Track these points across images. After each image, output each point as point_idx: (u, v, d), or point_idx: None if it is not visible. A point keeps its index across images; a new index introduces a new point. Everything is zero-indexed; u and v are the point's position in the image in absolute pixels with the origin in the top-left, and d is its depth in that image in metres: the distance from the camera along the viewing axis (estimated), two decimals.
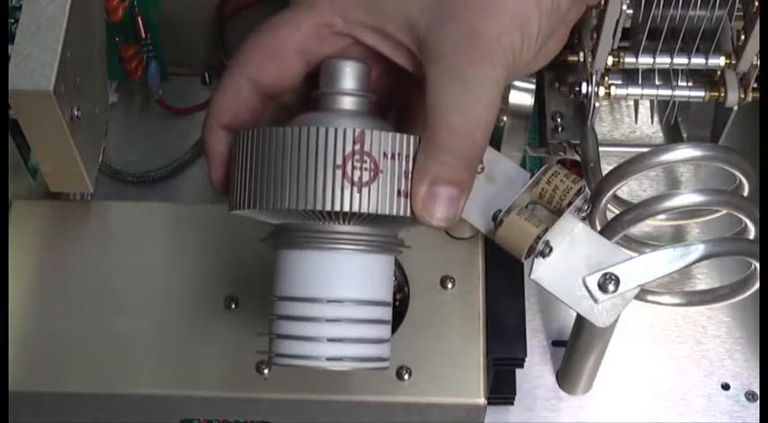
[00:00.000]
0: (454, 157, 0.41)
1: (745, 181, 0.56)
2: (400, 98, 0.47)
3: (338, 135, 0.41)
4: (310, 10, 0.43)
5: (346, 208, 0.42)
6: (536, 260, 0.49)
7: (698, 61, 0.60)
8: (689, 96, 0.61)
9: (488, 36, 0.41)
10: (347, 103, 0.45)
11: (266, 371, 0.52)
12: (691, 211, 0.61)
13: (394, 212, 0.42)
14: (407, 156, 0.42)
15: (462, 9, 0.41)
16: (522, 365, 0.55)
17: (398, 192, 0.42)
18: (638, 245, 0.61)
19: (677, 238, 0.65)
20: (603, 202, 0.56)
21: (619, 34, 0.58)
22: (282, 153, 0.42)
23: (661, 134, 0.69)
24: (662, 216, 0.60)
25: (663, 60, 0.60)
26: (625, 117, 0.69)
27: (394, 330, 0.54)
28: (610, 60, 0.60)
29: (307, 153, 0.41)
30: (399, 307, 0.55)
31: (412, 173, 0.42)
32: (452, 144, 0.41)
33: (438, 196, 0.42)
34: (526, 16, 0.41)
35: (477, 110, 0.41)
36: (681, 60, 0.60)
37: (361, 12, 0.42)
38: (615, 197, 0.59)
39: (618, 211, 0.57)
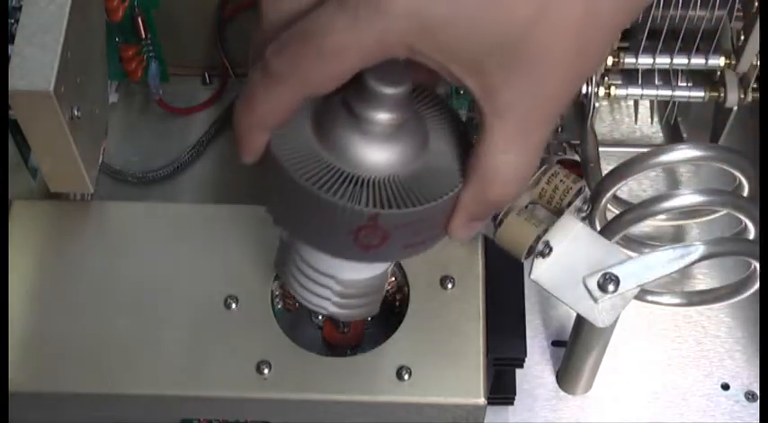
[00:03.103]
0: (496, 206, 0.45)
1: (745, 181, 0.56)
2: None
3: (354, 212, 0.42)
4: (377, 37, 0.40)
5: (353, 259, 0.45)
6: (536, 260, 0.49)
7: (698, 61, 0.60)
8: (689, 96, 0.61)
9: (557, 102, 0.41)
10: (378, 129, 0.44)
11: (266, 371, 0.52)
12: (691, 211, 0.61)
13: (396, 260, 0.46)
14: (420, 220, 0.44)
15: (533, 65, 0.40)
16: (521, 365, 0.55)
17: (405, 246, 0.45)
18: (638, 245, 0.61)
19: (677, 238, 0.65)
20: (603, 202, 0.56)
21: (619, 34, 0.58)
22: (302, 205, 0.43)
23: (661, 134, 0.69)
24: (662, 216, 0.60)
25: (663, 60, 0.60)
26: (625, 117, 0.69)
27: (394, 330, 0.54)
28: (610, 60, 0.60)
29: (324, 216, 0.43)
30: (399, 307, 0.55)
31: (422, 228, 0.44)
32: (500, 196, 0.44)
33: (472, 228, 0.45)
34: (589, 73, 0.42)
35: (530, 171, 0.43)
36: (681, 60, 0.60)
37: (428, 46, 0.40)
38: (615, 197, 0.59)
39: (618, 211, 0.57)
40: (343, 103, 0.43)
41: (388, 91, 0.42)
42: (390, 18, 0.38)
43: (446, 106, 0.47)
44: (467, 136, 0.46)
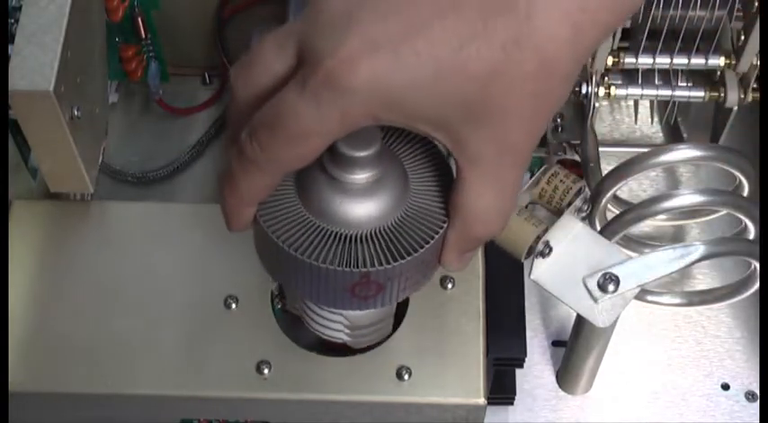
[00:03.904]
0: (484, 240, 0.47)
1: (745, 181, 0.56)
2: None
3: (345, 274, 0.44)
4: (341, 115, 0.41)
5: (353, 309, 0.48)
6: (536, 260, 0.49)
7: (698, 61, 0.60)
8: (689, 96, 0.61)
9: (525, 146, 0.42)
10: (357, 187, 0.45)
11: (266, 371, 0.52)
12: (691, 211, 0.61)
13: (397, 301, 0.48)
14: (411, 267, 0.45)
15: (494, 119, 0.41)
16: (521, 365, 0.55)
17: (402, 289, 0.47)
18: (638, 245, 0.61)
19: (677, 238, 0.65)
20: (603, 202, 0.56)
21: (619, 34, 0.58)
22: (296, 270, 0.45)
23: (661, 134, 0.69)
24: (662, 216, 0.60)
25: (663, 60, 0.60)
26: (625, 117, 0.69)
27: (394, 330, 0.54)
28: (610, 60, 0.60)
29: (317, 279, 0.45)
30: (399, 307, 0.55)
31: (415, 272, 0.46)
32: (484, 234, 0.46)
33: (464, 260, 0.47)
34: (551, 114, 0.43)
35: (508, 209, 0.45)
36: (681, 60, 0.60)
37: (392, 113, 0.41)
38: (615, 197, 0.59)
39: (618, 211, 0.57)
40: (321, 167, 0.45)
41: (360, 154, 0.44)
42: (352, 95, 0.39)
43: (422, 140, 0.48)
44: (446, 167, 0.47)
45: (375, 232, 0.45)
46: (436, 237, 0.45)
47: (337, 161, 0.44)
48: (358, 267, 0.44)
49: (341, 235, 0.45)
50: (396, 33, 0.39)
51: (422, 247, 0.45)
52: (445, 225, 0.45)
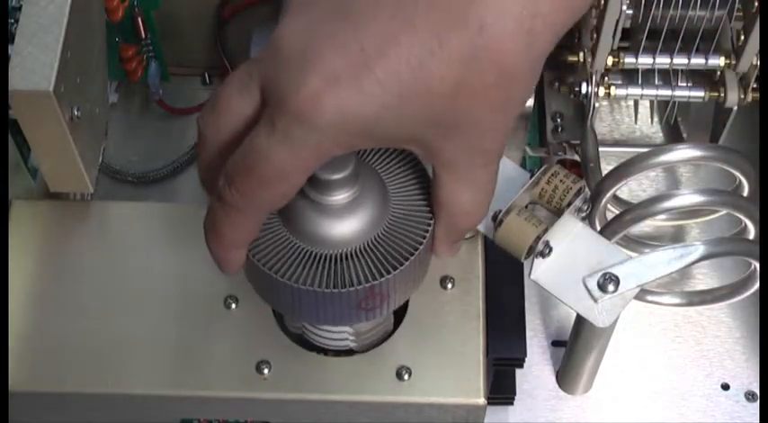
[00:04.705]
0: (470, 230, 0.48)
1: (745, 181, 0.56)
2: None
3: (350, 294, 0.45)
4: (314, 151, 0.42)
5: (360, 322, 0.49)
6: (536, 260, 0.49)
7: (698, 61, 0.60)
8: (689, 96, 0.61)
9: (495, 146, 0.44)
10: (341, 206, 0.46)
11: (266, 371, 0.52)
12: (691, 211, 0.61)
13: (401, 303, 0.49)
14: (411, 270, 0.47)
15: (463, 128, 0.42)
16: (521, 365, 0.55)
17: (405, 291, 0.48)
18: (638, 245, 0.61)
19: (677, 238, 0.65)
20: (603, 202, 0.56)
21: (619, 34, 0.58)
22: (300, 299, 0.46)
23: (661, 134, 0.69)
24: (662, 216, 0.60)
25: (663, 60, 0.60)
26: (625, 117, 0.69)
27: (394, 330, 0.54)
28: (610, 60, 0.60)
29: (325, 304, 0.46)
30: (399, 307, 0.55)
31: (414, 272, 0.47)
32: (469, 225, 0.47)
33: (455, 248, 0.49)
34: (517, 114, 0.44)
35: (487, 199, 0.46)
36: (681, 60, 0.60)
37: (364, 139, 0.42)
38: (615, 197, 0.59)
39: (618, 211, 0.57)
40: (302, 194, 0.45)
41: (336, 176, 0.45)
42: (322, 131, 0.40)
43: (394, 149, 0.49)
44: (421, 168, 0.48)
45: (369, 244, 0.46)
46: (427, 236, 0.46)
47: (317, 186, 0.45)
48: (361, 284, 0.45)
49: (337, 255, 0.46)
50: (355, 64, 0.39)
51: (416, 250, 0.46)
52: (432, 223, 0.46)
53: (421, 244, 0.46)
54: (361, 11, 0.40)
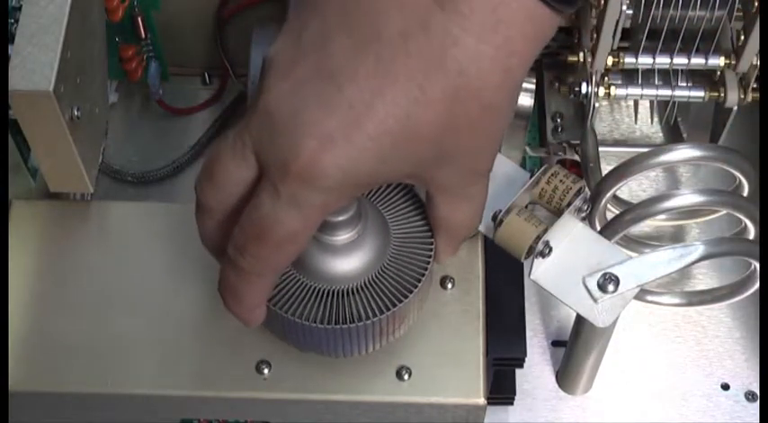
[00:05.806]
0: (467, 236, 0.51)
1: (745, 181, 0.56)
2: None
3: (374, 324, 0.48)
4: (320, 209, 0.44)
5: (379, 345, 0.51)
6: (536, 260, 0.49)
7: (698, 61, 0.60)
8: (689, 96, 0.61)
9: (483, 165, 0.47)
10: (349, 242, 0.48)
11: (266, 371, 0.52)
12: (691, 211, 0.61)
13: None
14: (425, 287, 0.50)
15: (451, 159, 0.44)
16: (521, 365, 0.55)
17: (418, 308, 0.51)
18: (638, 245, 0.61)
19: (677, 238, 0.65)
20: (603, 202, 0.56)
21: (619, 34, 0.58)
22: (327, 338, 0.49)
23: (661, 134, 0.69)
24: (662, 216, 0.60)
25: (663, 60, 0.60)
26: (625, 117, 0.69)
27: None
28: (610, 60, 0.60)
29: (350, 336, 0.49)
30: None
31: (424, 288, 0.50)
32: (466, 232, 0.50)
33: (455, 252, 0.51)
34: (501, 134, 0.46)
35: (481, 207, 0.49)
36: (681, 60, 0.60)
37: (365, 186, 0.45)
38: (615, 197, 0.59)
39: (618, 212, 0.57)
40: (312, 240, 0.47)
41: (342, 218, 0.47)
42: (326, 190, 0.42)
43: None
44: (412, 192, 0.51)
45: (382, 272, 0.49)
46: (431, 253, 0.50)
47: (323, 228, 0.47)
48: (383, 312, 0.48)
49: (353, 288, 0.48)
50: (346, 123, 0.41)
51: (425, 269, 0.49)
52: (433, 242, 0.50)
53: (428, 263, 0.49)
54: (341, 69, 0.41)
